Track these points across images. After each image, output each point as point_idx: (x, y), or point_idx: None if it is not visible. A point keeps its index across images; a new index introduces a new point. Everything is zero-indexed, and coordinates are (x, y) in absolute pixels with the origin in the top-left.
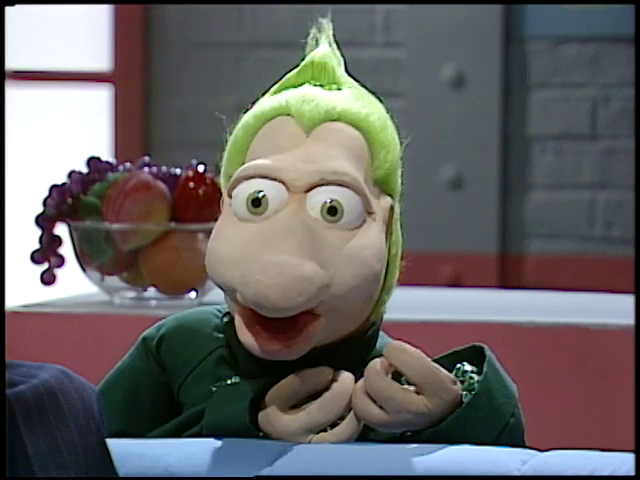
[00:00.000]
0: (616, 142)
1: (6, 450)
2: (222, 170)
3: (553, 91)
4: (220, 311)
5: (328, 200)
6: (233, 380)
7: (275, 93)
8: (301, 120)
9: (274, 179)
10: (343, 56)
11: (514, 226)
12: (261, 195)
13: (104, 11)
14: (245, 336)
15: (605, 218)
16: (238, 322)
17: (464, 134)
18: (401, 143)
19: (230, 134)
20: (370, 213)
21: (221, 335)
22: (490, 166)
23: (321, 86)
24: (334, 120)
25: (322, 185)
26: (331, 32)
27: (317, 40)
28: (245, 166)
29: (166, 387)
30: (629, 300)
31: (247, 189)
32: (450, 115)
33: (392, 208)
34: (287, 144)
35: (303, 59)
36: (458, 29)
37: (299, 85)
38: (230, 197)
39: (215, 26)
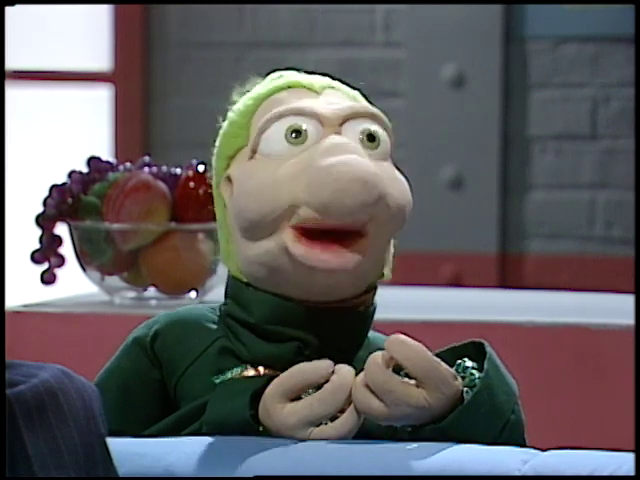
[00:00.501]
0: (616, 142)
1: (6, 450)
2: (216, 158)
3: (553, 91)
4: (213, 308)
5: (366, 128)
6: (236, 371)
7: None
8: (311, 84)
9: (308, 116)
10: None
11: (514, 226)
12: (301, 127)
13: (104, 11)
14: (299, 248)
15: (605, 218)
16: (291, 238)
17: (464, 134)
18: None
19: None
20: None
21: (219, 327)
22: (490, 166)
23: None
24: (334, 88)
25: (355, 118)
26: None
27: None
28: (276, 109)
29: (159, 386)
30: (629, 300)
31: (283, 125)
32: (450, 115)
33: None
34: (302, 99)
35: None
36: (458, 29)
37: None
38: (253, 152)
39: (215, 26)
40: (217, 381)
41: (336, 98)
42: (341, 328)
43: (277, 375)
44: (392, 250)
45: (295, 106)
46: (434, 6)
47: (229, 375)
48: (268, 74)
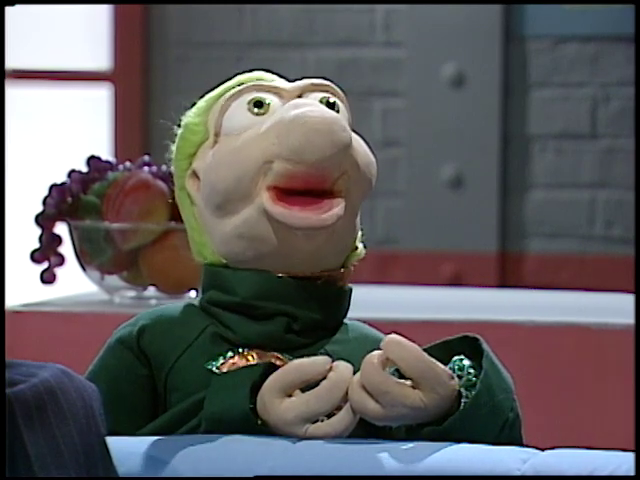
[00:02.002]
0: (616, 141)
1: (6, 450)
2: (175, 162)
3: (553, 90)
4: (193, 304)
5: (324, 97)
6: (228, 355)
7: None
8: (273, 82)
9: (267, 90)
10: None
11: (514, 225)
12: (262, 98)
13: (104, 10)
14: (277, 208)
15: (605, 217)
16: (267, 199)
17: (464, 133)
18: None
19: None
20: None
21: (206, 314)
22: (490, 165)
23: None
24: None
25: (313, 91)
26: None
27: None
28: (235, 89)
29: (147, 382)
30: (629, 299)
31: (245, 99)
32: (450, 114)
33: None
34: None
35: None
36: (458, 28)
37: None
38: (217, 135)
39: (215, 25)
40: (209, 367)
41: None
42: (324, 302)
43: (269, 359)
44: (360, 227)
45: (256, 83)
46: (434, 6)
47: (221, 360)
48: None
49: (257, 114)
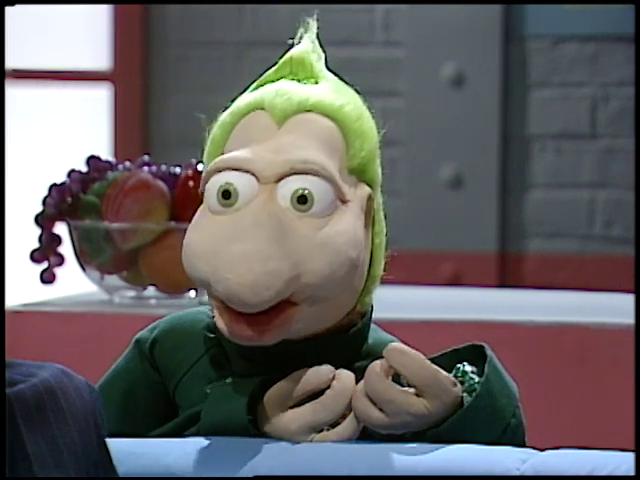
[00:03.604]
0: (616, 141)
1: (6, 449)
2: (203, 168)
3: (553, 90)
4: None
5: (298, 189)
6: (228, 381)
7: (253, 90)
8: (273, 112)
9: (244, 171)
10: (325, 52)
11: (514, 225)
12: (231, 187)
13: (104, 10)
14: (221, 323)
15: (605, 217)
16: (217, 311)
17: (464, 133)
18: (379, 132)
19: (209, 133)
20: (344, 201)
21: (214, 335)
22: (490, 165)
23: (298, 81)
24: (307, 111)
25: (292, 175)
26: (315, 30)
27: (301, 39)
28: (216, 160)
29: (162, 388)
30: (629, 299)
31: (218, 182)
32: (450, 114)
33: (371, 197)
34: (259, 137)
35: (282, 57)
36: (458, 28)
37: (277, 81)
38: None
39: (215, 25)
40: (209, 391)
41: (292, 136)
42: (320, 354)
43: (268, 377)
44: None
45: (231, 160)
46: (434, 5)
47: (221, 384)
48: (267, 68)
49: (224, 205)
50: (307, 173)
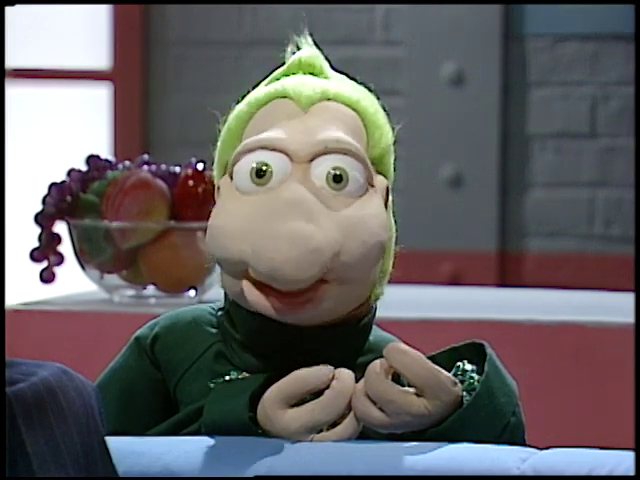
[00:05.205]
0: (615, 140)
1: (6, 449)
2: (215, 160)
3: (553, 89)
4: (214, 308)
5: (333, 168)
6: (232, 376)
7: (267, 85)
8: (299, 99)
9: (277, 150)
10: (325, 52)
11: (513, 224)
12: (265, 166)
13: (104, 9)
14: (255, 296)
15: (604, 216)
16: (247, 285)
17: (463, 132)
18: (392, 129)
19: (223, 124)
20: (371, 185)
21: (217, 330)
22: (489, 164)
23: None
24: (330, 99)
25: (325, 154)
26: (308, 36)
27: (298, 44)
28: (246, 140)
29: (161, 386)
30: (628, 298)
31: (250, 161)
32: (449, 113)
33: (388, 189)
34: (285, 121)
35: (283, 64)
36: (458, 27)
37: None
38: (231, 177)
39: (215, 24)
40: (212, 386)
41: (320, 119)
42: (330, 344)
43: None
44: (380, 269)
45: (264, 140)
46: (433, 5)
47: (225, 379)
48: (275, 68)
49: (257, 184)
50: (341, 152)
